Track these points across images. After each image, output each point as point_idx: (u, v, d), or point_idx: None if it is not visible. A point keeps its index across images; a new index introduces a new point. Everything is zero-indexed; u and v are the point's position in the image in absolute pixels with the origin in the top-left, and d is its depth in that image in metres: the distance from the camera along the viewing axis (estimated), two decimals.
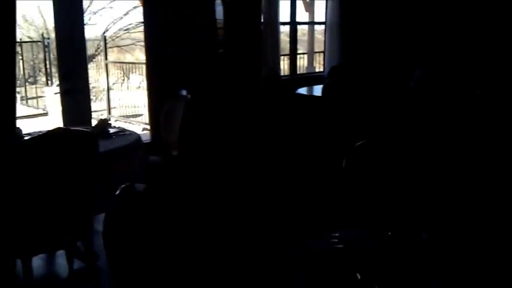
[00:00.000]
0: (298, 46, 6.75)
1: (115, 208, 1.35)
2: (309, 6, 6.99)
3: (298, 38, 6.75)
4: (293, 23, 6.42)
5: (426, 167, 1.97)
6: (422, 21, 7.05)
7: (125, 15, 11.49)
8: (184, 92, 3.41)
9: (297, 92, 5.33)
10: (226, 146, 2.87)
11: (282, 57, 6.27)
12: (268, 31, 5.79)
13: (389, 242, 1.44)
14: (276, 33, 5.85)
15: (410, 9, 7.10)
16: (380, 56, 7.26)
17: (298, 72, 6.68)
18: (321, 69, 6.89)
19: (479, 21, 6.45)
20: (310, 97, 5.18)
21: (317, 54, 7.47)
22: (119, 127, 3.40)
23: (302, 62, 7.55)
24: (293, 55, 6.52)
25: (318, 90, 5.13)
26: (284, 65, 6.55)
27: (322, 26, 6.74)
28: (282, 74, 6.24)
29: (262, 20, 5.79)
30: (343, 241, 1.42)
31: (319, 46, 7.12)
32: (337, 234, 1.48)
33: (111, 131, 3.19)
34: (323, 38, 6.75)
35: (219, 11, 5.49)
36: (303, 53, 7.42)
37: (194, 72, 5.04)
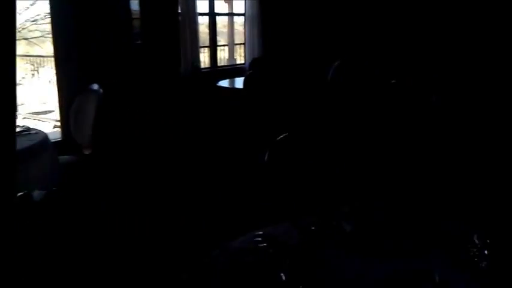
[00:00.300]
0: (220, 38, 6.65)
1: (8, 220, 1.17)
2: None
3: (220, 30, 6.65)
4: (212, 14, 6.30)
5: (347, 158, 1.96)
6: (340, 13, 7.22)
7: (31, 5, 10.68)
8: (95, 87, 3.19)
9: (217, 84, 5.23)
10: (143, 142, 2.71)
11: (202, 49, 6.14)
12: (186, 22, 5.63)
13: (313, 237, 1.40)
14: (194, 25, 5.71)
15: (328, 1, 7.25)
16: (300, 48, 7.36)
17: (219, 64, 6.58)
18: (243, 61, 6.84)
19: (394, 13, 6.71)
20: (232, 89, 5.10)
21: (238, 46, 7.41)
22: (23, 126, 3.10)
23: (224, 54, 7.45)
24: (213, 47, 6.40)
25: (239, 82, 5.07)
26: (205, 57, 6.42)
27: (243, 18, 6.69)
28: (202, 66, 6.11)
29: (179, 11, 5.62)
30: (267, 239, 1.36)
31: (241, 38, 7.05)
32: (260, 232, 1.41)
33: None
34: (246, 30, 6.71)
35: (135, 1, 5.26)
36: (224, 45, 7.32)
37: (108, 65, 4.78)
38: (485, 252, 1.23)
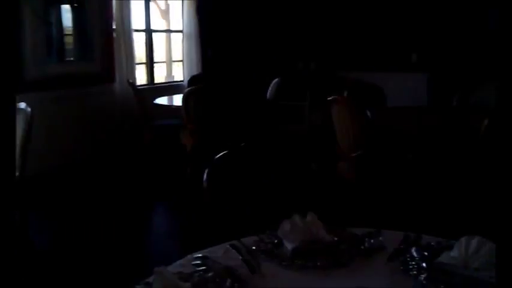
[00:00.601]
0: (158, 55, 6.54)
1: None
2: (165, 14, 6.83)
3: (157, 46, 6.54)
4: (148, 31, 6.21)
5: (292, 178, 1.95)
6: (277, 31, 7.35)
7: None
8: (23, 105, 3.00)
9: (154, 102, 5.10)
10: (77, 161, 2.56)
11: (139, 65, 6.01)
12: (121, 38, 5.50)
13: (254, 256, 1.36)
14: (129, 41, 5.59)
15: (265, 19, 7.36)
16: (239, 65, 7.39)
17: (156, 81, 6.45)
18: (181, 79, 6.75)
19: (332, 29, 6.91)
20: (169, 107, 5.00)
21: (176, 63, 7.31)
22: None
23: (161, 71, 7.31)
24: (150, 64, 6.29)
25: (178, 99, 4.98)
26: (141, 74, 6.27)
27: (181, 35, 6.63)
28: (139, 83, 5.97)
29: (114, 27, 5.49)
30: (205, 262, 1.30)
31: (179, 55, 6.93)
32: (198, 255, 1.34)
33: None
34: (185, 47, 6.65)
35: (67, 18, 5.08)
36: (162, 62, 7.19)
37: (37, 82, 4.56)
38: (424, 265, 1.25)
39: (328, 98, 3.60)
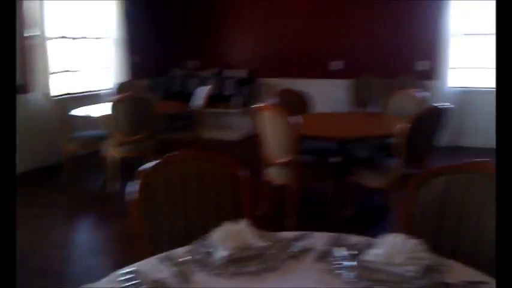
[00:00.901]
0: (82, 62, 6.27)
1: None
2: (90, 20, 6.57)
3: (82, 53, 6.27)
4: (70, 38, 5.97)
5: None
6: (206, 39, 7.35)
7: None
8: None
9: (69, 114, 4.75)
10: None
11: (58, 74, 5.74)
12: (36, 46, 5.22)
13: (186, 267, 1.34)
14: (44, 49, 5.32)
15: (194, 25, 7.34)
16: (167, 71, 7.30)
17: (78, 90, 6.15)
18: (106, 87, 6.50)
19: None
20: (88, 118, 4.72)
21: (102, 70, 7.04)
22: None
23: (84, 79, 7.01)
24: (71, 72, 6.04)
25: (100, 109, 4.77)
26: (62, 83, 5.97)
27: (106, 41, 6.43)
28: (59, 93, 5.69)
29: (29, 34, 5.19)
30: (134, 276, 1.27)
31: (105, 62, 6.67)
32: (126, 270, 1.31)
33: None
34: (109, 53, 6.44)
35: None
36: (87, 69, 6.88)
37: None
38: (350, 263, 1.30)
39: (256, 105, 3.65)
